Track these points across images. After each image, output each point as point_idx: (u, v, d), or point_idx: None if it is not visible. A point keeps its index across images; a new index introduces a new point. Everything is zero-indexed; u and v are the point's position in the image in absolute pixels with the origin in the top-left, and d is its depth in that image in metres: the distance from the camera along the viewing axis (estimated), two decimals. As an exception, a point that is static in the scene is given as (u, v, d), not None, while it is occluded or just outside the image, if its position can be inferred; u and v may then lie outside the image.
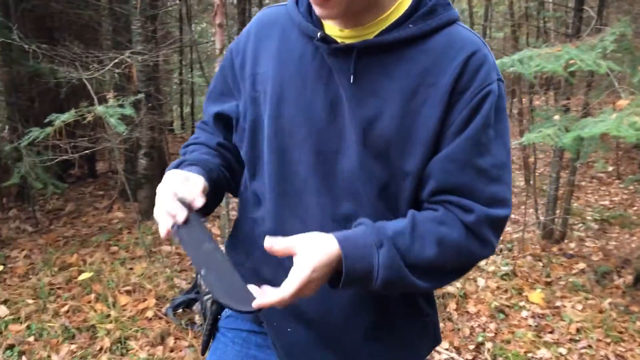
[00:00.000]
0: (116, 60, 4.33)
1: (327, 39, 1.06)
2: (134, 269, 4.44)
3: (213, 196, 1.15)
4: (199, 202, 1.02)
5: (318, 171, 1.09)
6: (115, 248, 4.96)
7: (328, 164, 1.09)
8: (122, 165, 5.77)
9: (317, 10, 1.01)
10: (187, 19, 7.71)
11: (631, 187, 7.25)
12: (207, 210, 1.10)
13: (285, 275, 0.93)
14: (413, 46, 1.03)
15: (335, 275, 0.97)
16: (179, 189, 1.02)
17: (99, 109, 3.61)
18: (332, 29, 1.09)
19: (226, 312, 1.32)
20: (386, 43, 1.03)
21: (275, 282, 0.94)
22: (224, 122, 1.27)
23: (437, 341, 1.29)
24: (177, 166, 1.14)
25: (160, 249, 4.92)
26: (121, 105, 3.66)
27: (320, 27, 1.10)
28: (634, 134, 3.60)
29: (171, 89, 10.41)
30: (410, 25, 1.03)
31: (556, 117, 4.38)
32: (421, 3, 1.05)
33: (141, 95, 4.01)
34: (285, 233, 0.98)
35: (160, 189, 1.03)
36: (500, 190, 1.05)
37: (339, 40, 1.06)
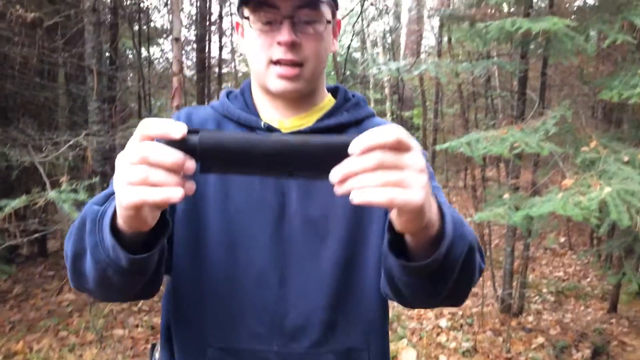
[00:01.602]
0: (71, 143, 4.30)
1: (271, 128, 1.11)
2: (83, 356, 4.25)
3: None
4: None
5: (277, 263, 1.09)
6: (64, 333, 4.74)
7: (283, 255, 1.09)
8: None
9: (282, 84, 1.08)
10: (146, 101, 7.76)
11: (584, 258, 7.44)
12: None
13: None
14: (351, 129, 1.15)
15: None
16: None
17: (51, 194, 3.54)
18: (270, 120, 1.14)
19: None
20: (330, 126, 1.13)
21: None
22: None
23: None
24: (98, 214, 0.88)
25: (112, 333, 4.73)
26: (74, 190, 3.60)
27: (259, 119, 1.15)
28: (579, 212, 3.74)
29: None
30: (345, 113, 1.16)
31: (506, 195, 4.52)
32: (347, 99, 1.21)
33: (95, 180, 3.95)
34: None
35: (126, 152, 0.72)
36: None
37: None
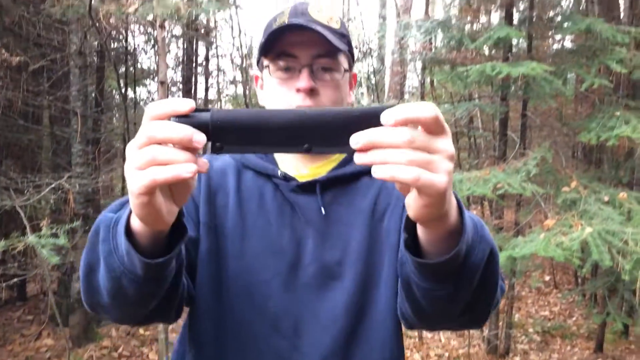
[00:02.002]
0: (53, 185, 4.27)
1: (287, 177, 1.13)
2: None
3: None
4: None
5: (290, 311, 1.09)
6: (42, 381, 4.61)
7: (297, 304, 1.09)
8: (54, 289, 5.50)
9: None
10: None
11: (569, 297, 7.44)
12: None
13: None
14: (364, 177, 1.16)
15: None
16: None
17: (31, 239, 3.49)
18: (287, 169, 1.16)
19: None
20: (347, 175, 1.15)
21: None
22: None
23: None
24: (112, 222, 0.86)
25: (91, 382, 4.61)
26: (55, 235, 3.56)
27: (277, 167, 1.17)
28: (561, 253, 3.77)
29: (114, 201, 10.24)
30: None
31: (489, 236, 4.54)
32: None
33: (77, 223, 3.91)
34: None
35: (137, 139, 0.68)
36: None
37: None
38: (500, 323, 5.67)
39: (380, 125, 0.64)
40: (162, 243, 0.80)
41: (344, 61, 1.15)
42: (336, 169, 1.17)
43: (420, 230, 0.79)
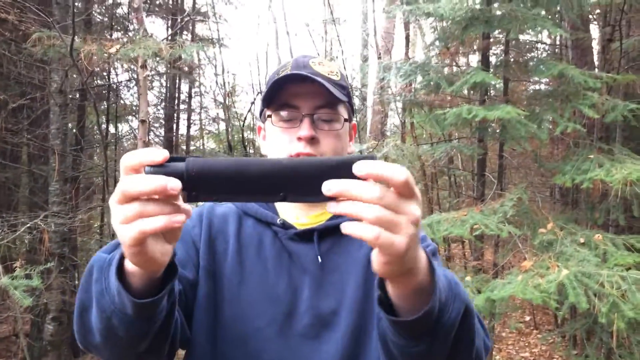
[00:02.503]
0: (28, 225, 4.21)
1: (286, 225, 1.16)
2: None
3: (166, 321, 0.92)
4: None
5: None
6: None
7: (291, 352, 1.09)
8: (26, 331, 5.37)
9: None
10: (109, 180, 7.71)
11: (549, 338, 7.42)
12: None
13: None
14: None
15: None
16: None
17: (4, 280, 3.43)
18: (287, 217, 1.18)
19: None
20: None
21: None
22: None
23: None
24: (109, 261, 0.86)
25: None
26: (28, 276, 3.50)
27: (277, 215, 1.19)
28: (539, 295, 3.78)
29: (92, 239, 10.09)
30: None
31: (468, 278, 4.55)
32: None
33: (51, 264, 3.85)
34: None
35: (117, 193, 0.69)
36: None
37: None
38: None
39: (353, 176, 0.66)
40: (156, 282, 0.80)
41: (343, 112, 1.20)
42: (334, 217, 1.18)
43: (389, 286, 0.80)
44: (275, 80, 1.14)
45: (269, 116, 1.18)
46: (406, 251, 0.68)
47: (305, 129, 1.13)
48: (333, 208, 0.67)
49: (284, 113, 1.16)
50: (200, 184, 0.67)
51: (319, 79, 1.12)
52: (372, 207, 0.66)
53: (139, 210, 0.66)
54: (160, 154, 0.67)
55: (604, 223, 5.28)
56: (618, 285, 3.72)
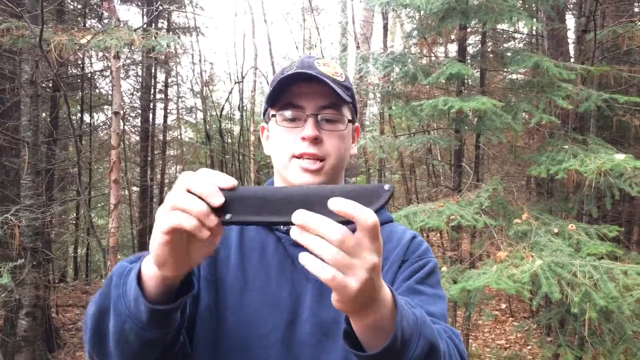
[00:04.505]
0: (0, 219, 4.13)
1: (289, 230, 1.11)
2: None
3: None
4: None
5: None
6: None
7: (303, 354, 1.08)
8: None
9: (304, 177, 1.12)
10: (81, 171, 7.59)
11: (525, 326, 7.55)
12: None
13: None
14: None
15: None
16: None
17: (-28, 277, 3.36)
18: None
19: None
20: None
21: None
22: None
23: None
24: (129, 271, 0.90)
25: None
26: (-2, 272, 3.43)
27: None
28: (512, 285, 3.82)
29: (67, 231, 9.96)
30: None
31: (444, 268, 4.59)
32: None
33: (21, 261, 3.78)
34: None
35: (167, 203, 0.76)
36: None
37: None
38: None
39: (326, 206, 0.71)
40: (172, 294, 0.84)
41: (347, 113, 1.19)
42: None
43: (351, 319, 0.82)
44: (280, 79, 1.13)
45: (273, 116, 1.17)
46: (357, 295, 0.71)
47: (309, 129, 1.12)
48: (295, 235, 0.71)
49: (288, 112, 1.15)
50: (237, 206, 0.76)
51: (325, 79, 1.11)
52: (331, 248, 0.69)
53: (188, 204, 0.72)
54: (231, 181, 0.75)
55: (578, 213, 5.35)
56: (590, 274, 3.77)
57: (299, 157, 1.13)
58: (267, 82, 11.15)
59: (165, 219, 0.73)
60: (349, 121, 1.19)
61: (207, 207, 0.73)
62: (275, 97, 1.16)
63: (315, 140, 1.12)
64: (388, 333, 0.80)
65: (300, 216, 0.70)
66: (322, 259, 0.70)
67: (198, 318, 1.11)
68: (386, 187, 0.76)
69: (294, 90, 1.14)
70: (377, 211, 0.74)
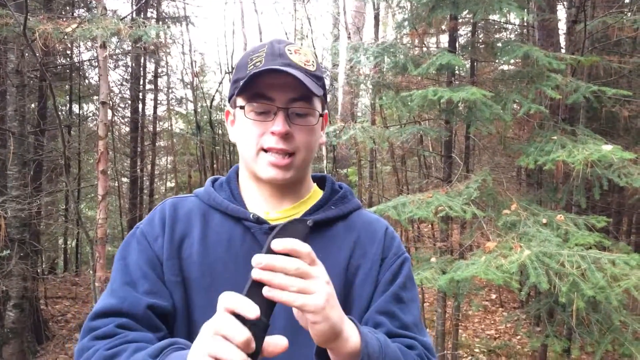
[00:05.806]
0: (-15, 211, 4.09)
1: (260, 220, 1.12)
2: None
3: None
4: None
5: None
6: None
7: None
8: (-13, 319, 5.24)
9: (273, 172, 1.11)
10: (70, 161, 7.52)
11: (514, 316, 7.59)
12: None
13: None
14: (339, 223, 1.18)
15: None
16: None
17: (-44, 268, 3.32)
18: (257, 211, 1.15)
19: None
20: (319, 221, 1.14)
21: None
22: (159, 315, 1.10)
23: None
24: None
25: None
26: (-17, 264, 3.39)
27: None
28: (500, 276, 3.83)
29: (56, 222, 9.88)
30: (332, 207, 1.19)
31: (433, 259, 4.59)
32: (334, 191, 1.24)
33: (6, 252, 3.74)
34: None
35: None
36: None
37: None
38: (447, 343, 5.71)
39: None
40: None
41: (318, 105, 1.16)
42: (312, 212, 1.17)
43: (329, 352, 0.92)
44: (249, 74, 1.07)
45: (242, 107, 1.12)
46: (325, 305, 0.82)
47: (279, 124, 1.08)
48: (259, 275, 0.80)
49: (257, 104, 1.10)
50: None
51: (295, 72, 1.06)
52: (292, 279, 0.80)
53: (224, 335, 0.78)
54: (254, 312, 0.77)
55: (567, 204, 5.36)
56: (578, 264, 3.78)
57: (268, 150, 1.10)
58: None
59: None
60: (320, 115, 1.16)
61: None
62: (243, 86, 1.11)
63: (286, 136, 1.09)
64: (357, 357, 0.91)
65: (261, 260, 0.80)
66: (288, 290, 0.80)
67: (173, 320, 1.10)
68: (309, 222, 0.89)
69: (264, 81, 1.09)
70: (305, 240, 0.84)
